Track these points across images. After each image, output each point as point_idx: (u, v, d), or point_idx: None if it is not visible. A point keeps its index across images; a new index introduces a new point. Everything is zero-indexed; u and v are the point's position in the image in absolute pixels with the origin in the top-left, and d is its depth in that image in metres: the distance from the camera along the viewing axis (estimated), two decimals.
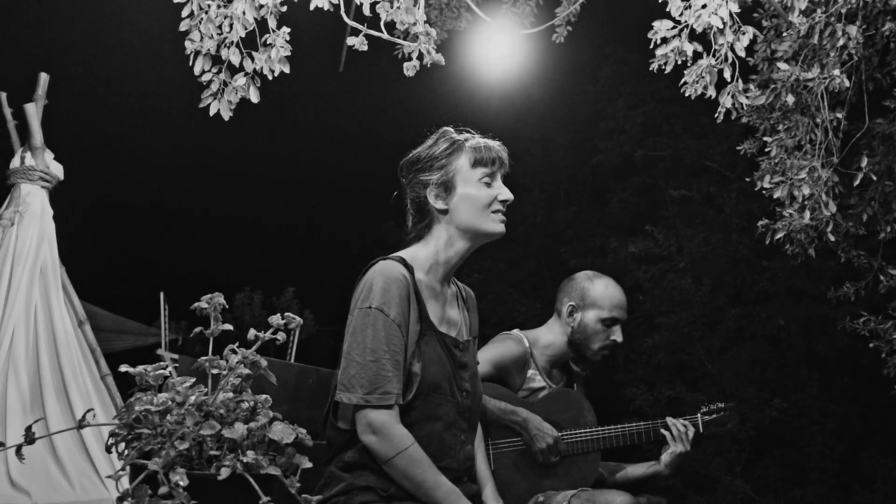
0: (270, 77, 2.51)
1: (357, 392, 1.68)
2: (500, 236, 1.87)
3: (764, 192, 3.32)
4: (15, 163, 3.61)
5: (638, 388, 8.65)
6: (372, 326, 1.71)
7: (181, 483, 1.29)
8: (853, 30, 2.94)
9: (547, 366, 2.53)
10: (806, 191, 3.17)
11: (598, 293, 2.48)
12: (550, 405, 2.42)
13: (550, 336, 2.54)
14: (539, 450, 2.32)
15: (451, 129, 1.91)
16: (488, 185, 1.84)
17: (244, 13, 2.45)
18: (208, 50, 2.47)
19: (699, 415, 2.50)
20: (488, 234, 1.85)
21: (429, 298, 1.83)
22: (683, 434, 2.41)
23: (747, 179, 3.51)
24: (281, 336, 1.54)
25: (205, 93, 2.50)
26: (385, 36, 2.52)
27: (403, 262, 1.80)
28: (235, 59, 2.49)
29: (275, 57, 2.49)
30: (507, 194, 1.85)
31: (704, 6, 2.53)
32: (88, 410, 1.48)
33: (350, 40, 2.52)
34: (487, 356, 2.41)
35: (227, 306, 1.61)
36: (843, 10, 2.95)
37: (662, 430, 2.42)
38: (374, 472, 1.71)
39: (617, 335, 2.49)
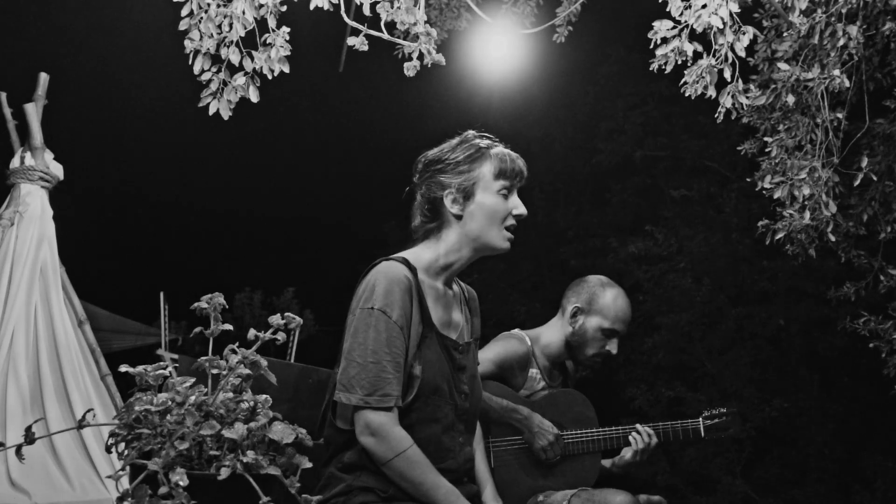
0: (270, 77, 2.51)
1: (357, 393, 1.68)
2: (504, 252, 1.88)
3: (764, 192, 3.32)
4: (15, 163, 3.60)
5: (638, 388, 8.66)
6: (374, 328, 1.70)
7: (181, 483, 1.28)
8: (853, 30, 2.94)
9: (548, 365, 2.53)
10: (806, 191, 3.17)
11: (606, 302, 2.48)
12: (552, 405, 2.42)
13: (551, 335, 2.55)
14: (540, 447, 2.32)
15: (474, 134, 1.91)
16: (506, 197, 1.85)
17: (244, 12, 2.44)
18: (208, 49, 2.46)
19: (700, 419, 2.50)
20: (494, 248, 1.86)
21: (431, 300, 1.82)
22: (645, 447, 2.42)
23: (748, 179, 3.51)
24: (281, 336, 1.54)
25: (204, 92, 2.49)
26: (385, 36, 2.51)
27: (406, 263, 1.80)
28: (235, 59, 2.49)
29: (274, 56, 2.49)
30: (522, 209, 1.86)
31: (704, 6, 2.53)
32: (88, 410, 1.48)
33: (350, 40, 2.51)
34: (490, 355, 2.41)
35: (227, 306, 1.61)
36: (844, 10, 2.95)
37: (631, 438, 2.43)
38: (373, 473, 1.71)
39: (612, 347, 2.48)
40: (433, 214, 1.87)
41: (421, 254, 1.86)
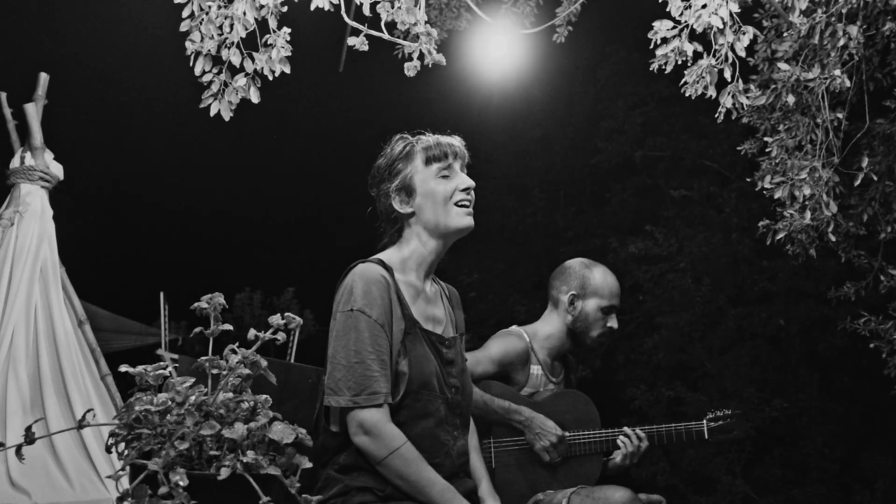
0: (271, 77, 2.51)
1: (345, 395, 1.69)
2: (470, 230, 1.88)
3: (765, 192, 3.33)
4: (15, 163, 3.61)
5: (638, 388, 8.66)
6: (355, 329, 1.72)
7: (181, 483, 1.29)
8: (854, 30, 2.94)
9: (548, 359, 2.53)
10: (807, 191, 3.17)
11: (598, 282, 2.51)
12: (556, 405, 2.42)
13: (549, 328, 2.55)
14: (542, 448, 2.32)
15: (406, 134, 1.94)
16: (447, 177, 1.86)
17: (244, 14, 2.45)
18: (209, 50, 2.47)
19: (704, 421, 2.50)
20: (456, 229, 1.86)
21: (411, 297, 1.84)
22: (634, 450, 2.41)
23: (748, 179, 3.51)
24: (281, 336, 1.54)
25: (205, 93, 2.50)
26: (386, 36, 2.52)
27: (382, 263, 1.82)
28: (236, 60, 2.49)
29: (275, 57, 2.49)
30: (466, 182, 1.86)
31: (704, 6, 2.53)
32: (88, 410, 1.48)
33: (350, 40, 2.52)
34: (490, 354, 2.41)
35: (227, 306, 1.61)
36: (844, 10, 2.95)
37: (619, 441, 2.42)
38: (369, 472, 1.72)
39: (613, 322, 2.51)
40: (391, 221, 1.91)
41: (392, 255, 1.89)
